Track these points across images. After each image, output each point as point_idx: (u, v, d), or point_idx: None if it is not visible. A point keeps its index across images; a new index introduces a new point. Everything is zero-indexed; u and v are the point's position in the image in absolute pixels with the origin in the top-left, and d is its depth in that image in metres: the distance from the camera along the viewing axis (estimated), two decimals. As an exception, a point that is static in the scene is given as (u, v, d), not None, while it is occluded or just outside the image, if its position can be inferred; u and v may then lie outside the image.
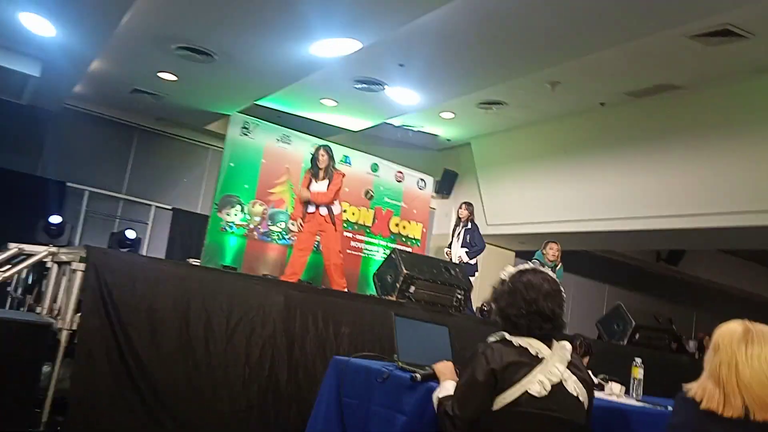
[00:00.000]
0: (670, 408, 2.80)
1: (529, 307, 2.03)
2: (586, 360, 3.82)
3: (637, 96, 7.34)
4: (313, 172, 6.44)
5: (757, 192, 6.67)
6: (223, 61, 6.54)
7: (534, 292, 2.05)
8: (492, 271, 8.77)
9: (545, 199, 8.85)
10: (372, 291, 6.49)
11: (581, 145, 8.45)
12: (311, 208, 6.47)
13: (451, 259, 7.33)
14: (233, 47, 6.24)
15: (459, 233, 7.57)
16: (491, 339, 2.05)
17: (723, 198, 6.99)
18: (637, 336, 5.77)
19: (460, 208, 7.71)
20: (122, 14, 5.40)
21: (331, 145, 9.11)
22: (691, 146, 7.28)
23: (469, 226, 7.63)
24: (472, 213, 7.67)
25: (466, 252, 7.39)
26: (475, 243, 7.46)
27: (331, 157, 6.49)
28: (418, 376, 2.28)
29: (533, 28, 5.60)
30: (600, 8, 5.18)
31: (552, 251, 6.93)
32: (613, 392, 3.18)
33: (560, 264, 7.03)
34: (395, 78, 7.05)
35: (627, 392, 3.25)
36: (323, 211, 6.40)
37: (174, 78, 7.22)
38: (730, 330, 1.78)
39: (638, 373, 3.33)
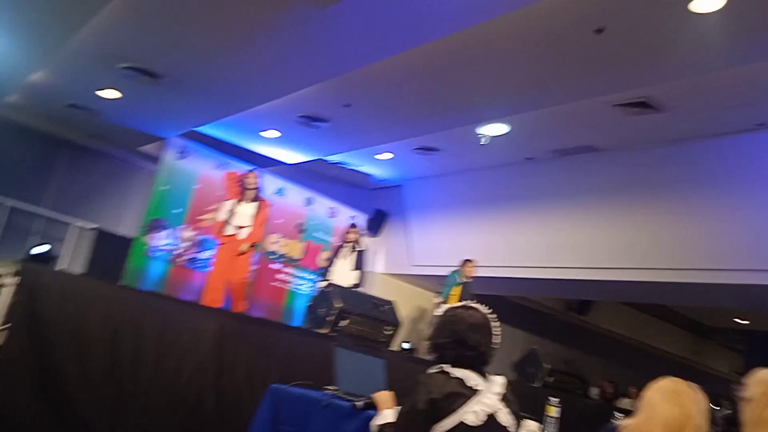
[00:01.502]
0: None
1: (454, 337, 2.21)
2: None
3: (561, 154, 7.87)
4: (241, 193, 6.47)
5: (655, 251, 7.27)
6: (169, 85, 6.52)
7: (460, 324, 2.23)
8: (415, 311, 8.95)
9: (469, 244, 9.19)
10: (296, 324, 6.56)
11: (506, 196, 8.89)
12: (231, 230, 6.45)
13: (329, 281, 6.97)
14: (183, 71, 6.25)
15: (347, 256, 7.41)
16: (431, 370, 2.20)
17: (629, 253, 7.55)
18: (551, 380, 6.08)
19: (352, 231, 7.61)
20: (73, 33, 5.34)
21: (267, 175, 9.21)
22: (604, 204, 7.83)
23: (362, 248, 7.60)
24: (360, 236, 7.64)
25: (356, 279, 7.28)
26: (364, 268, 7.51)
27: (259, 185, 6.59)
28: (359, 403, 2.40)
29: (470, 84, 5.95)
30: (534, 73, 5.60)
31: (468, 268, 7.63)
32: (529, 430, 3.39)
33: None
34: (339, 117, 7.24)
35: (543, 431, 3.47)
36: (243, 234, 6.39)
37: (116, 96, 7.11)
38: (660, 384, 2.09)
39: (553, 411, 3.57)
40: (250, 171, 6.77)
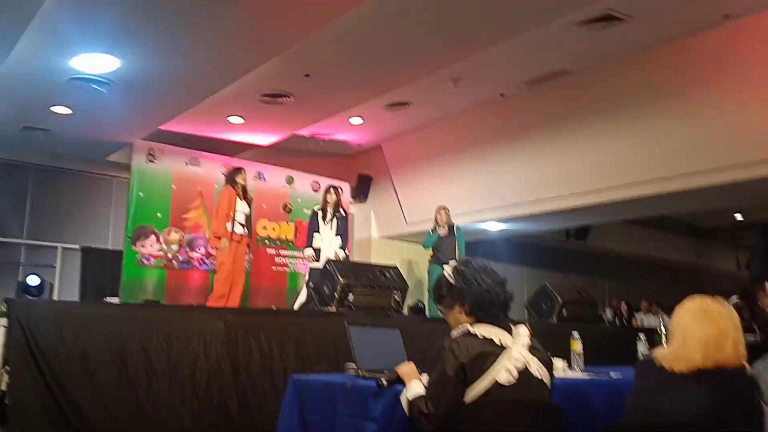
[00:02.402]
0: (612, 374, 2.99)
1: (497, 287, 2.17)
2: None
3: (534, 84, 7.71)
4: (239, 192, 6.44)
5: (647, 163, 7.20)
6: (120, 88, 6.27)
7: (491, 272, 2.19)
8: (415, 267, 8.91)
9: (458, 192, 9.10)
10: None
11: (486, 137, 8.76)
12: (240, 229, 6.47)
13: (317, 259, 6.69)
14: (130, 72, 6.00)
15: (330, 221, 6.98)
16: (455, 333, 2.11)
17: (619, 172, 7.49)
18: (564, 312, 6.05)
19: (328, 192, 7.09)
20: (8, 51, 5.09)
21: (243, 162, 9.02)
22: (585, 127, 7.73)
23: (342, 213, 7.17)
24: (341, 198, 7.22)
25: (341, 246, 6.95)
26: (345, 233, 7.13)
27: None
28: (384, 381, 2.31)
29: (430, 27, 5.76)
30: (490, 4, 5.41)
31: (441, 215, 7.53)
32: (557, 368, 3.34)
33: (454, 224, 7.64)
34: (302, 89, 7.03)
35: (570, 366, 3.42)
36: (246, 231, 6.41)
37: (68, 111, 6.84)
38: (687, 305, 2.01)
39: (577, 346, 3.51)
40: (237, 170, 6.69)
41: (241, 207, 6.43)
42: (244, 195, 6.52)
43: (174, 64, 5.86)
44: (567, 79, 7.56)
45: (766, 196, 8.09)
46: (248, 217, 6.64)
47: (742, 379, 1.83)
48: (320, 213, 7.05)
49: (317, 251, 6.83)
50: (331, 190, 7.17)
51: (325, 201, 7.08)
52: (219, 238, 6.35)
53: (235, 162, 8.85)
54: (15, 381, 3.19)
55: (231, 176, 6.72)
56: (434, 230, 7.66)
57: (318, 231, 6.94)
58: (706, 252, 15.45)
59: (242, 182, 6.57)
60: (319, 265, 6.39)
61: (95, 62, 5.72)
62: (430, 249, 7.69)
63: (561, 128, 7.94)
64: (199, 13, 4.94)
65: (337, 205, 7.08)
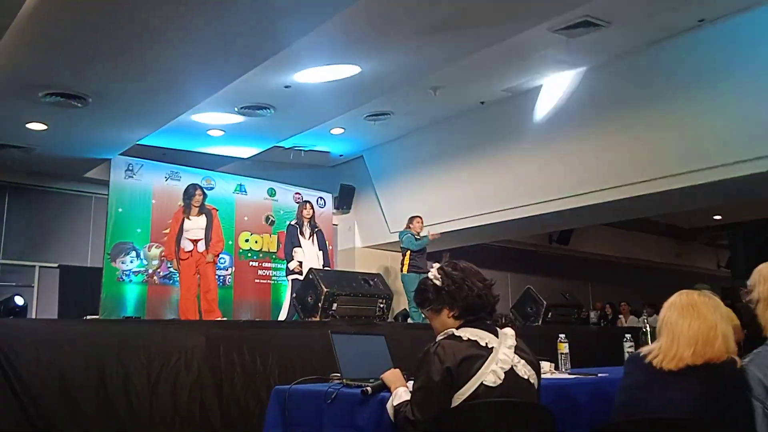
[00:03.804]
0: (600, 375, 2.97)
1: (486, 288, 2.15)
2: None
3: (512, 92, 7.75)
4: (187, 208, 6.44)
5: (625, 167, 7.25)
6: (97, 104, 6.18)
7: (476, 274, 2.17)
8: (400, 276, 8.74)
9: (441, 200, 9.11)
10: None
11: (468, 144, 8.78)
12: (189, 246, 6.47)
13: (302, 272, 6.67)
14: (106, 88, 5.92)
15: (310, 236, 7.22)
16: (440, 337, 2.07)
17: (599, 175, 7.53)
18: (549, 315, 6.06)
19: (304, 207, 7.35)
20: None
21: (224, 175, 8.95)
22: (564, 132, 7.77)
23: (318, 227, 7.40)
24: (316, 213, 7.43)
25: (324, 262, 7.16)
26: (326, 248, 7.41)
27: (205, 195, 6.55)
28: (368, 389, 2.26)
29: (410, 37, 5.76)
30: (469, 11, 5.42)
31: (419, 224, 7.63)
32: (544, 370, 3.32)
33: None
34: (282, 100, 6.99)
35: (556, 368, 3.40)
36: (201, 247, 6.38)
37: (44, 127, 6.74)
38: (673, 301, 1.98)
39: (564, 348, 3.50)
40: (194, 186, 6.67)
41: (189, 225, 6.46)
42: (200, 211, 6.54)
43: (152, 78, 5.79)
44: (547, 86, 7.61)
45: (744, 196, 8.20)
46: (207, 230, 6.59)
47: (732, 374, 1.80)
48: (298, 227, 7.18)
49: (301, 263, 6.93)
50: (307, 205, 7.34)
51: (302, 215, 7.23)
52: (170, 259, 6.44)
53: (217, 175, 8.80)
54: (-10, 403, 3.09)
55: (183, 196, 6.76)
56: (418, 236, 7.63)
57: (299, 245, 7.06)
58: (687, 253, 15.61)
59: (190, 200, 6.57)
60: (301, 277, 6.44)
61: (74, 78, 5.65)
62: (406, 257, 7.62)
63: (541, 134, 7.98)
64: (177, 26, 4.89)
65: (313, 219, 7.27)
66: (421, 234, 7.63)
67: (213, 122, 7.66)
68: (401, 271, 7.66)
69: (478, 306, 2.11)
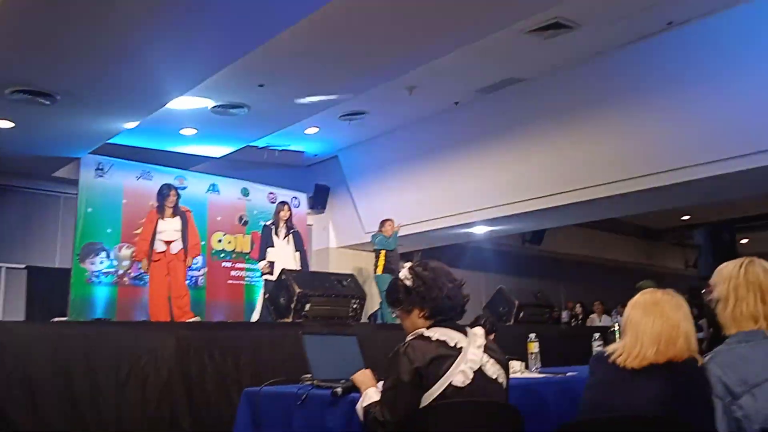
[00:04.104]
0: (569, 374, 3.01)
1: (456, 287, 2.14)
2: (492, 337, 3.98)
3: (487, 92, 7.80)
4: (161, 209, 6.35)
5: (597, 168, 7.37)
6: (66, 101, 6.07)
7: (446, 274, 2.16)
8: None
9: (415, 200, 9.14)
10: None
11: (442, 145, 8.82)
12: (161, 247, 6.37)
13: (272, 272, 6.72)
14: (76, 85, 5.81)
15: (285, 236, 7.23)
16: (409, 337, 2.07)
17: (571, 176, 7.64)
18: (521, 315, 6.11)
19: (281, 209, 7.36)
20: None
21: (197, 174, 8.84)
22: (537, 133, 7.87)
23: (294, 228, 7.43)
24: (293, 214, 7.48)
25: (301, 262, 7.20)
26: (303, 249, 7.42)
27: (179, 196, 6.47)
28: (338, 390, 2.25)
29: (385, 36, 5.76)
30: (442, 13, 5.44)
31: (390, 226, 7.72)
32: (515, 369, 3.35)
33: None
34: (256, 99, 6.94)
35: (527, 367, 3.44)
36: (174, 248, 6.30)
37: (10, 125, 6.59)
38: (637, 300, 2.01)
39: (534, 347, 3.53)
40: (168, 187, 6.56)
41: (164, 226, 6.37)
42: (174, 212, 6.44)
43: (124, 74, 5.70)
44: (519, 87, 7.69)
45: (712, 197, 8.37)
46: (182, 232, 6.50)
47: (694, 372, 1.83)
48: (273, 228, 7.17)
49: (272, 264, 6.90)
50: (285, 206, 7.36)
51: (278, 216, 7.24)
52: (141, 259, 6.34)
53: (189, 175, 8.69)
54: (-51, 408, 3.01)
55: (157, 196, 6.65)
56: (386, 237, 7.68)
57: (273, 246, 7.08)
58: (656, 252, 15.90)
59: (164, 201, 6.48)
60: (273, 278, 6.50)
61: (40, 75, 5.53)
62: (380, 259, 7.66)
63: (515, 134, 8.06)
64: (151, 21, 4.82)
65: (290, 220, 7.28)
66: (389, 236, 7.72)
67: (186, 121, 7.57)
68: (375, 272, 7.71)
69: (448, 306, 2.12)
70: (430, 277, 2.14)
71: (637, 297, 2.00)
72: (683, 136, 6.69)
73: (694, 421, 1.71)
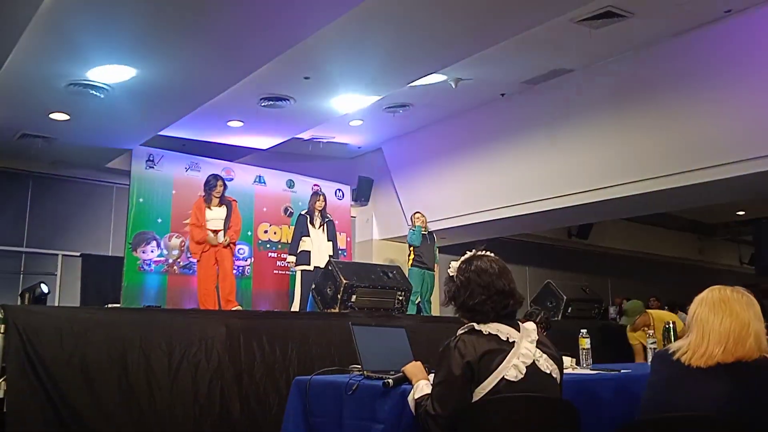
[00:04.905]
0: (622, 371, 2.94)
1: (488, 291, 2.06)
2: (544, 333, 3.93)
3: (533, 83, 7.67)
4: (207, 198, 6.43)
5: (645, 161, 7.16)
6: (118, 94, 6.23)
7: (486, 275, 2.09)
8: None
9: (459, 193, 9.06)
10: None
11: (487, 137, 8.71)
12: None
13: (308, 262, 6.94)
14: (130, 79, 5.95)
15: (321, 226, 7.23)
16: (460, 331, 2.06)
17: (620, 169, 7.43)
18: (569, 309, 6.01)
19: (317, 198, 7.36)
20: (3, 59, 5.06)
21: (244, 166, 8.97)
22: (586, 125, 7.68)
23: (329, 217, 7.40)
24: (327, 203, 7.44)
25: (334, 251, 7.18)
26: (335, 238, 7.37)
27: (225, 186, 6.55)
28: (390, 381, 2.26)
29: (430, 28, 5.71)
30: (490, 4, 5.36)
31: (418, 219, 7.63)
32: (566, 366, 3.29)
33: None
34: (302, 91, 6.99)
35: (578, 363, 3.38)
36: (221, 237, 6.39)
37: (66, 117, 6.80)
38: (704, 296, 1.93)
39: (585, 343, 3.47)
40: (215, 177, 6.64)
41: (210, 215, 6.44)
42: (221, 202, 6.51)
43: (173, 70, 5.82)
44: (566, 78, 7.53)
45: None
46: (226, 220, 6.57)
47: (764, 372, 1.76)
48: (308, 217, 7.24)
49: (304, 254, 7.02)
50: (319, 196, 7.40)
51: (314, 206, 7.29)
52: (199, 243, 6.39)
53: (236, 166, 8.83)
54: (12, 388, 3.14)
55: (204, 186, 6.72)
56: (423, 230, 7.62)
57: (308, 235, 7.14)
58: (708, 248, 15.39)
59: (211, 191, 6.54)
60: (309, 267, 6.86)
61: (108, 72, 5.72)
62: (411, 252, 7.62)
63: (562, 126, 7.89)
64: (198, 18, 4.91)
65: (324, 209, 7.32)
66: (423, 229, 7.63)
67: (233, 113, 7.68)
68: (408, 264, 7.73)
69: (478, 311, 2.07)
70: (465, 279, 2.11)
71: (705, 294, 1.92)
72: (739, 128, 6.43)
73: (764, 422, 1.64)
